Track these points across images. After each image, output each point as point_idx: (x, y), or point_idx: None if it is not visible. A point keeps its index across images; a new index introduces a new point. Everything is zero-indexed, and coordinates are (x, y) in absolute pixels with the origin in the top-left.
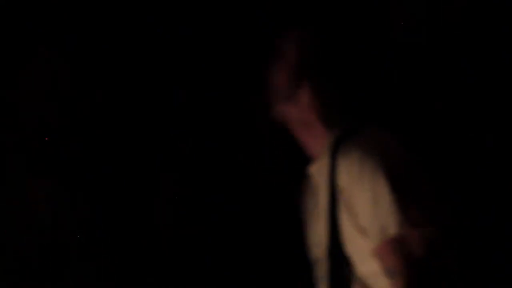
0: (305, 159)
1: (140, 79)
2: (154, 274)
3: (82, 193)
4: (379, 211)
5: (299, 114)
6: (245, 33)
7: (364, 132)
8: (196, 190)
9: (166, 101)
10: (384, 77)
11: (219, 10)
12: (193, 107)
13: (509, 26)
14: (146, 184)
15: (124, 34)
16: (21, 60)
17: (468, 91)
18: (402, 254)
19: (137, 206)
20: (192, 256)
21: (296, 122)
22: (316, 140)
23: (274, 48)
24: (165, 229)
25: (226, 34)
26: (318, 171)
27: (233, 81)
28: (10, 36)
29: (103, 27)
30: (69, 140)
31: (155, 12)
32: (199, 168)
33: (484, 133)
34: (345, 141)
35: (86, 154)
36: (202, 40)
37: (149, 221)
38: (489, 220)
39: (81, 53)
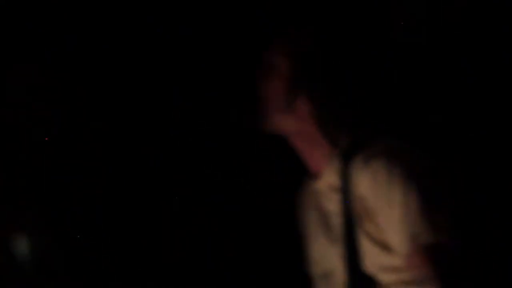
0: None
1: (139, 79)
2: (154, 274)
3: (81, 194)
4: (410, 219)
5: (298, 125)
6: (234, 42)
7: (378, 142)
8: (196, 190)
9: (166, 102)
10: (383, 77)
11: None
12: (193, 108)
13: (509, 26)
14: (145, 183)
15: (121, 35)
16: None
17: (468, 91)
18: (434, 261)
19: (137, 206)
20: (192, 256)
21: (295, 134)
22: (317, 152)
23: (264, 59)
24: (165, 229)
25: (215, 42)
26: (326, 185)
27: (230, 84)
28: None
29: (102, 27)
30: (69, 140)
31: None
32: (199, 168)
33: (485, 133)
34: (360, 151)
35: (86, 155)
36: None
37: (149, 221)
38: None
39: (81, 53)
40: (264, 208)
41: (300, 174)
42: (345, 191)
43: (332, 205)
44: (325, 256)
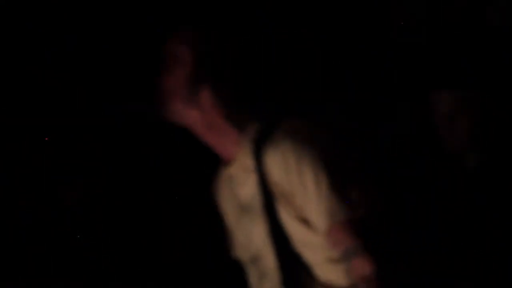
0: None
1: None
2: (154, 274)
3: (81, 194)
4: (324, 197)
5: (202, 116)
6: (134, 33)
7: (285, 124)
8: (196, 190)
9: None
10: (383, 76)
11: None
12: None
13: (509, 26)
14: (145, 183)
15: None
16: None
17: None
18: (354, 234)
19: (136, 206)
20: (192, 257)
21: (200, 125)
22: (225, 141)
23: (165, 50)
24: (165, 229)
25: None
26: (237, 171)
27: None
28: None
29: (102, 27)
30: (68, 139)
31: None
32: (199, 168)
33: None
34: (267, 136)
35: (86, 155)
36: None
37: (149, 221)
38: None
39: (80, 53)
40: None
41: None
42: (260, 174)
43: (249, 188)
44: (250, 240)
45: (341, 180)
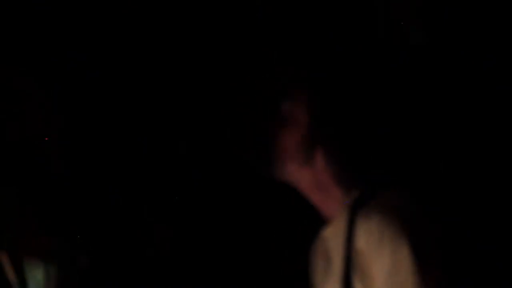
0: None
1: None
2: (153, 275)
3: (79, 195)
4: (398, 279)
5: (313, 177)
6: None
7: (384, 195)
8: (196, 192)
9: (164, 105)
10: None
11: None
12: (192, 110)
13: (509, 26)
14: (145, 183)
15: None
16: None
17: (468, 91)
18: None
19: (136, 206)
20: (192, 257)
21: (309, 186)
22: (331, 202)
23: (280, 110)
24: (164, 230)
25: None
26: (333, 234)
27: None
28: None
29: (101, 27)
30: (68, 139)
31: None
32: (198, 170)
33: (485, 134)
34: (364, 203)
35: (84, 156)
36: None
37: (149, 221)
38: None
39: (80, 53)
40: (264, 210)
41: None
42: (347, 241)
43: (336, 254)
44: None
45: (417, 264)
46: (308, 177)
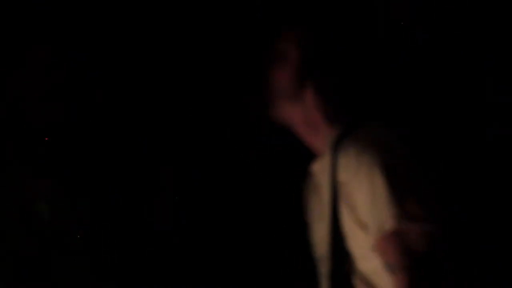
0: (305, 155)
1: (139, 77)
2: (153, 274)
3: (81, 192)
4: (376, 205)
5: (303, 114)
6: (242, 32)
7: (363, 129)
8: (196, 189)
9: (164, 101)
10: (385, 76)
11: (217, 8)
12: (192, 106)
13: (509, 26)
14: (145, 183)
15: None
16: (19, 60)
17: (468, 91)
18: (401, 249)
19: (136, 205)
20: (192, 256)
21: (300, 122)
22: (320, 139)
23: (274, 48)
24: (164, 228)
25: (223, 31)
26: (320, 169)
27: (231, 79)
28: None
29: (101, 28)
30: (69, 139)
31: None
32: (199, 167)
33: (484, 131)
34: (345, 138)
35: (85, 154)
36: (200, 38)
37: (148, 220)
38: (487, 219)
39: (80, 52)
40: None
41: (300, 171)
42: (331, 175)
43: (324, 188)
44: (323, 238)
45: (398, 190)
46: (299, 113)
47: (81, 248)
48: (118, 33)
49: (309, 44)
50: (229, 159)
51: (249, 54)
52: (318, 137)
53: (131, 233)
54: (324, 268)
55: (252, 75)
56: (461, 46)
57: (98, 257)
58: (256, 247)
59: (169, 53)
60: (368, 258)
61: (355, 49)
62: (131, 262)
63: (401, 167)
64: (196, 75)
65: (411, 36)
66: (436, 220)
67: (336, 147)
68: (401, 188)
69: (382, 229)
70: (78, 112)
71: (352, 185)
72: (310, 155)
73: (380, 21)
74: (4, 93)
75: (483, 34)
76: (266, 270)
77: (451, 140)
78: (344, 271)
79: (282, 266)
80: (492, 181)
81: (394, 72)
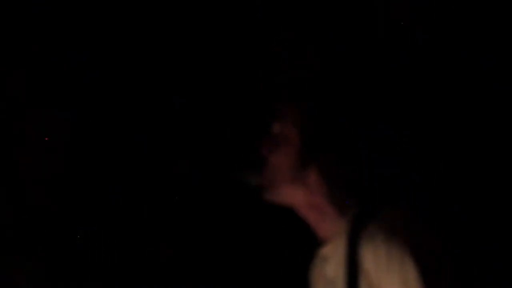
0: None
1: (139, 77)
2: (153, 274)
3: (80, 192)
4: (408, 286)
5: (306, 196)
6: (242, 33)
7: (383, 213)
8: (196, 189)
9: (164, 101)
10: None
11: (217, 8)
12: (192, 106)
13: (509, 26)
14: (145, 183)
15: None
16: None
17: (468, 91)
18: None
19: (136, 205)
20: (192, 256)
21: (303, 205)
22: (326, 222)
23: (273, 133)
24: (164, 228)
25: (223, 31)
26: (333, 253)
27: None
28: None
29: (101, 28)
30: (69, 139)
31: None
32: (201, 171)
33: (484, 132)
34: (365, 222)
35: (85, 154)
36: (200, 38)
37: (148, 220)
38: (487, 219)
39: (80, 52)
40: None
41: None
42: (351, 261)
43: (335, 265)
44: None
45: (425, 273)
46: (301, 196)
47: (81, 248)
48: (118, 33)
49: (311, 126)
50: (229, 159)
51: (249, 54)
52: (323, 218)
53: (131, 233)
54: None
55: (252, 77)
56: (461, 46)
57: (98, 257)
58: (256, 247)
59: (169, 53)
60: None
61: (356, 128)
62: (131, 262)
63: (429, 256)
64: (196, 75)
65: (411, 36)
66: None
67: (355, 231)
68: (431, 277)
69: None
70: (78, 113)
71: (381, 274)
72: None
73: (380, 22)
74: None
75: (483, 34)
76: (266, 270)
77: (451, 140)
78: None
79: (282, 266)
80: (492, 181)
81: (394, 72)
